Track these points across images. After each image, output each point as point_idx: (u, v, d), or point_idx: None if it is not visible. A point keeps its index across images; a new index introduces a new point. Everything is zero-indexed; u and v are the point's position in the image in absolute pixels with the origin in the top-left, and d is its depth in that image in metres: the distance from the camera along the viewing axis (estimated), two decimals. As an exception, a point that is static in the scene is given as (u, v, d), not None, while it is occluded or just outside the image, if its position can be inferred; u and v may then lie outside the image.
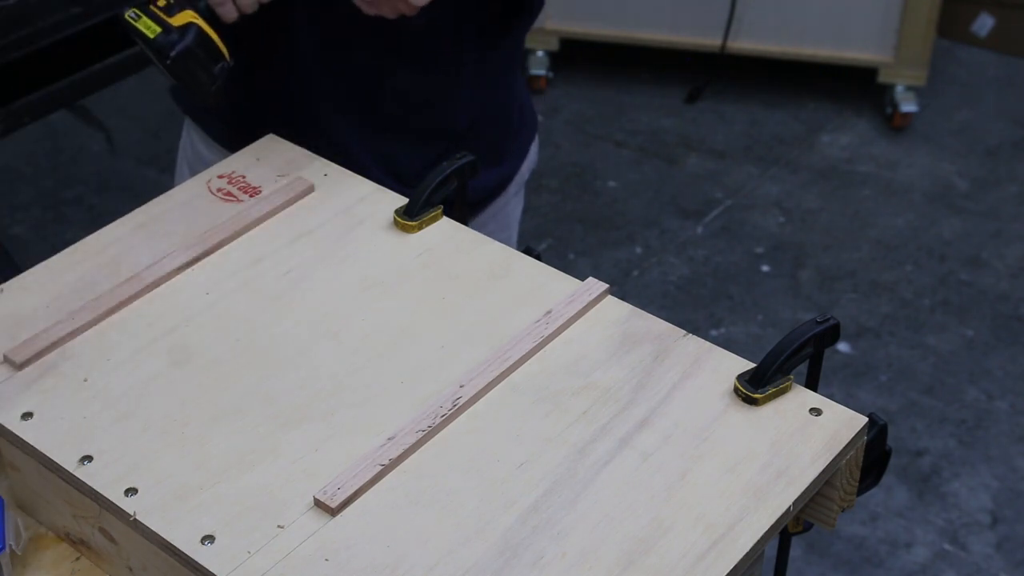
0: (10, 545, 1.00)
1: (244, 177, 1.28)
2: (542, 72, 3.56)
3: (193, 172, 1.51)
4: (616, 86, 3.61)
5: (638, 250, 3.08)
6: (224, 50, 1.24)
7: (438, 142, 1.45)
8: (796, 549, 2.25)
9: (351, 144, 1.40)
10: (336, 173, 1.28)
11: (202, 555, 0.91)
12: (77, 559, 1.03)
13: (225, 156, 1.43)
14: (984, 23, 3.68)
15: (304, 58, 1.39)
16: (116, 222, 1.23)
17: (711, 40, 3.41)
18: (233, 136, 1.44)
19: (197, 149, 1.54)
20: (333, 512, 0.93)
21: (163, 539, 0.92)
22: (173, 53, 1.21)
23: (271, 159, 1.30)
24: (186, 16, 1.22)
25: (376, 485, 0.95)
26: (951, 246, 3.07)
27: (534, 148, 1.64)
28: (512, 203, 1.62)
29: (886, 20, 3.31)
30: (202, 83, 1.25)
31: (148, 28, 1.21)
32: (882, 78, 3.40)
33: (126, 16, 1.22)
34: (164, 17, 1.22)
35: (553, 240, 3.10)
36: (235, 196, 1.25)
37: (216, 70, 1.24)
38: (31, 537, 1.05)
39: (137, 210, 1.25)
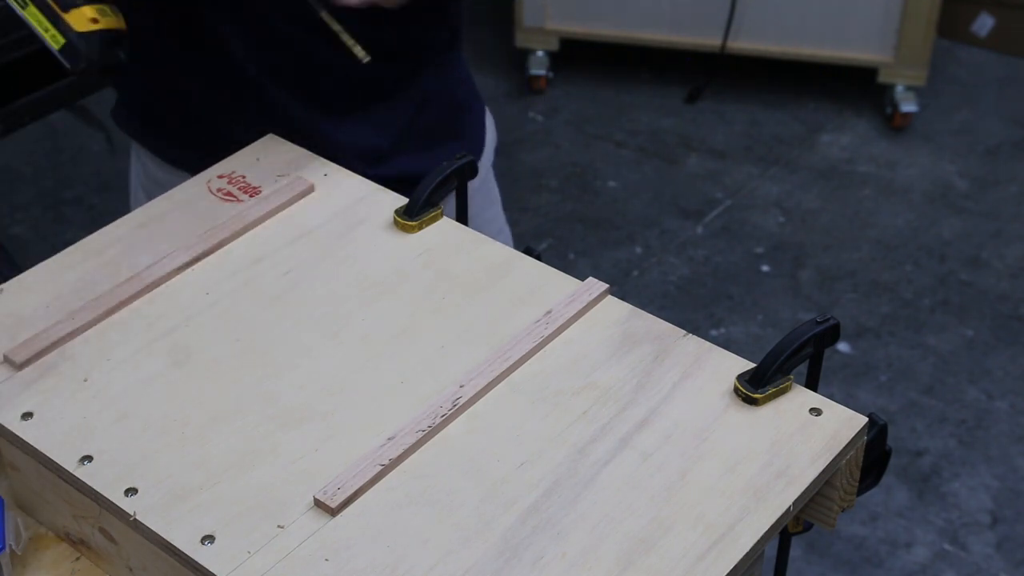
0: (10, 545, 1.00)
1: (244, 177, 1.28)
2: (542, 72, 3.56)
3: (149, 196, 1.49)
4: (616, 86, 3.61)
5: (638, 250, 3.08)
6: (121, 24, 1.16)
7: (394, 120, 1.44)
8: (796, 549, 2.26)
9: (305, 128, 1.39)
10: (336, 173, 1.28)
11: (202, 555, 0.90)
12: (77, 559, 1.03)
13: (181, 175, 1.42)
14: (984, 23, 3.69)
15: (238, 59, 1.39)
16: (116, 222, 1.23)
17: (711, 40, 3.41)
18: (184, 153, 1.43)
19: (150, 172, 1.52)
20: (333, 512, 0.93)
21: (163, 539, 0.92)
22: (81, 67, 1.14)
23: (271, 159, 1.30)
24: (82, 14, 1.12)
25: (376, 485, 0.95)
26: (951, 246, 3.07)
27: (490, 123, 1.63)
28: (488, 177, 1.61)
29: (886, 20, 3.31)
30: (109, 67, 1.18)
31: (41, 25, 1.13)
32: (882, 78, 3.40)
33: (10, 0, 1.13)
34: (58, 11, 1.12)
35: (553, 240, 3.10)
36: (235, 196, 1.25)
37: (120, 53, 1.17)
38: (31, 537, 1.05)
39: (137, 210, 1.25)
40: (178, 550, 0.91)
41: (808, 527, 1.07)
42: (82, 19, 1.13)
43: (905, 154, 3.36)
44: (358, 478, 0.95)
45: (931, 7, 3.25)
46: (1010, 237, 3.09)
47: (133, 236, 1.21)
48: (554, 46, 3.53)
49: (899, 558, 2.37)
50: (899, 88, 3.39)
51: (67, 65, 1.14)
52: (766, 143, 3.41)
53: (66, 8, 1.13)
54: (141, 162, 1.55)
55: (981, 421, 2.63)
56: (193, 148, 1.35)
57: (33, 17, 1.13)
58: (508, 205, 3.34)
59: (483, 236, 1.21)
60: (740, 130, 3.46)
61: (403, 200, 1.24)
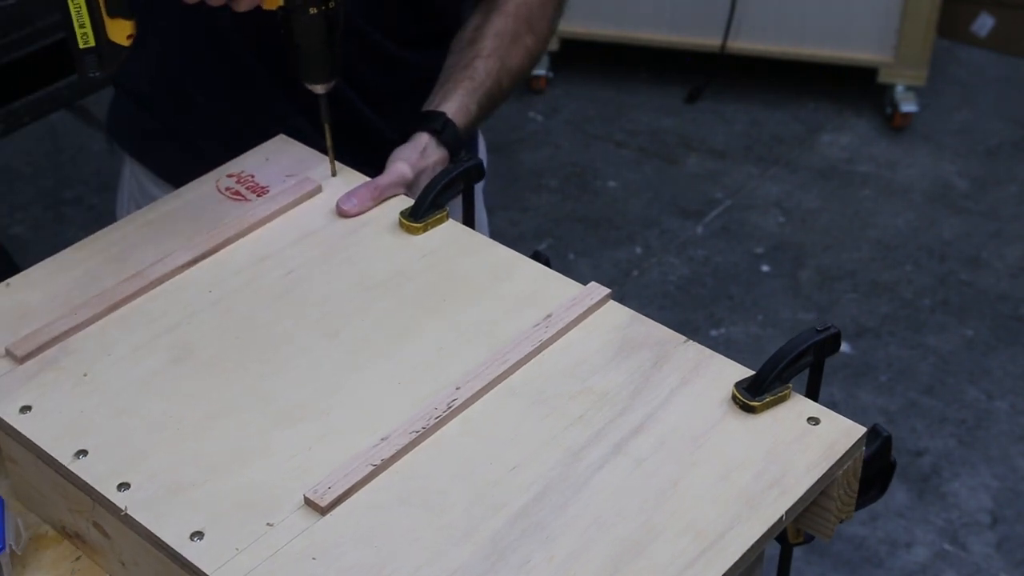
0: (10, 545, 1.01)
1: (253, 177, 1.28)
2: (542, 72, 3.56)
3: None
4: (616, 86, 3.61)
5: (638, 250, 3.08)
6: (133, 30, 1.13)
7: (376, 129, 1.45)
8: (796, 549, 2.25)
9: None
10: (345, 174, 1.28)
11: (190, 551, 0.90)
12: (77, 559, 1.03)
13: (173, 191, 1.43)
14: (984, 23, 3.69)
15: (249, 72, 1.40)
16: (124, 219, 1.24)
17: (711, 40, 3.41)
18: (179, 168, 1.43)
19: (144, 186, 1.52)
20: (323, 511, 0.93)
21: (152, 534, 0.92)
22: (95, 76, 1.13)
23: (280, 159, 1.30)
24: (123, 27, 1.10)
25: (367, 485, 0.95)
26: (951, 246, 3.07)
27: (482, 149, 1.63)
28: (477, 203, 1.61)
29: (886, 20, 3.31)
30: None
31: (79, 19, 1.09)
32: (882, 78, 3.40)
33: None
34: (103, 13, 1.10)
35: (553, 240, 3.10)
36: (243, 195, 1.25)
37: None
38: (31, 537, 1.05)
39: (145, 208, 1.26)
40: (166, 545, 0.91)
41: (809, 538, 1.07)
42: (121, 31, 1.11)
43: (905, 154, 3.36)
44: (349, 478, 0.95)
45: (931, 7, 3.25)
46: (1010, 237, 3.09)
47: (139, 233, 1.21)
48: (554, 46, 3.53)
49: (899, 558, 2.37)
50: (899, 88, 3.39)
51: (85, 69, 1.12)
52: (766, 143, 3.41)
53: (112, 14, 1.11)
54: (135, 176, 1.55)
55: (981, 421, 2.63)
56: (189, 169, 1.35)
57: (76, 8, 1.09)
58: (508, 205, 3.35)
59: (488, 239, 1.21)
60: (740, 130, 3.46)
61: (409, 202, 1.24)
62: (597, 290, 1.12)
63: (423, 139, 1.32)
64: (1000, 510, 2.44)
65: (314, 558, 0.90)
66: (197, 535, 0.92)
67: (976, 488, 2.49)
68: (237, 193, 1.26)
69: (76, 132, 3.34)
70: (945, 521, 2.43)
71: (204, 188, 1.27)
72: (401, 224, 1.21)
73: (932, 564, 2.36)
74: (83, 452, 0.98)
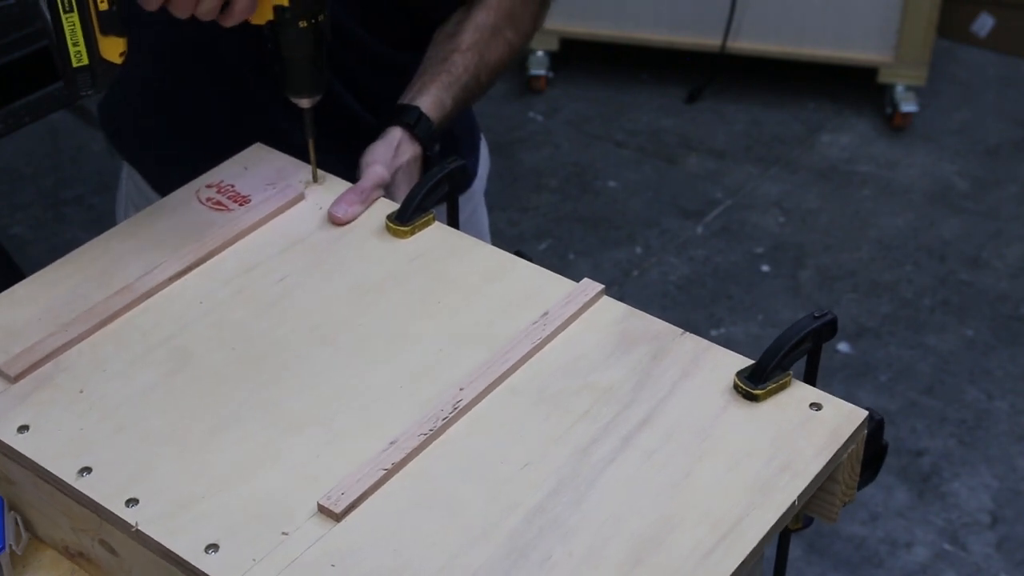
0: (10, 545, 1.00)
1: (233, 186, 1.26)
2: (542, 72, 3.56)
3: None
4: (616, 86, 3.61)
5: (638, 250, 3.08)
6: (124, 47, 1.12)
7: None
8: (796, 549, 2.26)
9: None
10: (327, 181, 1.27)
11: (206, 564, 0.90)
12: (77, 559, 1.03)
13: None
14: (984, 23, 3.69)
15: (252, 90, 1.39)
16: (106, 233, 1.22)
17: (711, 40, 3.41)
18: (166, 173, 1.42)
19: (143, 190, 1.52)
20: (337, 518, 0.93)
21: (166, 549, 0.91)
22: (87, 94, 1.11)
23: (259, 168, 1.29)
24: (116, 44, 1.09)
25: (380, 489, 0.95)
26: (951, 246, 3.07)
27: (484, 153, 1.63)
28: (478, 206, 1.61)
29: (886, 20, 3.31)
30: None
31: (72, 38, 1.08)
32: (882, 78, 3.40)
33: None
34: (97, 31, 1.08)
35: (553, 240, 3.10)
36: (224, 205, 1.24)
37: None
38: (31, 537, 1.04)
39: (126, 221, 1.24)
40: (181, 559, 0.90)
41: (808, 524, 1.08)
42: (114, 49, 1.10)
43: (905, 154, 3.36)
44: (362, 483, 0.94)
45: (931, 7, 3.25)
46: (1010, 237, 3.10)
47: (123, 246, 1.20)
48: (554, 46, 3.53)
49: (899, 558, 2.37)
50: (899, 88, 3.39)
51: (78, 88, 1.11)
52: (766, 143, 3.41)
53: (105, 31, 1.09)
54: (133, 180, 1.54)
55: (981, 421, 2.63)
56: (176, 179, 1.35)
57: (70, 26, 1.08)
58: (508, 205, 3.35)
59: (476, 240, 1.21)
60: (740, 130, 3.46)
61: (392, 205, 1.23)
62: (591, 286, 1.12)
63: (396, 135, 1.31)
64: (1000, 510, 2.45)
65: (333, 565, 0.90)
66: (212, 547, 0.91)
67: (976, 488, 2.49)
68: (219, 203, 1.24)
69: (76, 132, 3.34)
70: (945, 521, 2.43)
71: (184, 199, 1.25)
72: (388, 228, 1.20)
73: (932, 564, 2.36)
74: (87, 469, 0.97)
